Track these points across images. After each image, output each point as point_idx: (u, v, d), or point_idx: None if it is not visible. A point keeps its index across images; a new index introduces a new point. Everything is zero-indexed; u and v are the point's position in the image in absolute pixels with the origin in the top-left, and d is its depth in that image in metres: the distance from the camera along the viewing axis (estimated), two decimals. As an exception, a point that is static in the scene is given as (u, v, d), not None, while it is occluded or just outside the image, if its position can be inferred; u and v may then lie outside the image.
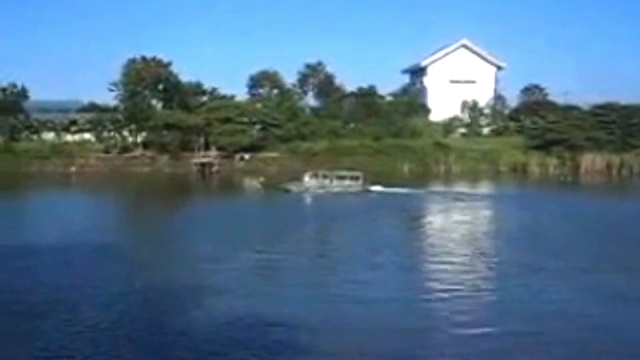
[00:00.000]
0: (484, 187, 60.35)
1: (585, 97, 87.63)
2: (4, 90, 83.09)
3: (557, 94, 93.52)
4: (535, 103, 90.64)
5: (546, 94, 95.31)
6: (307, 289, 20.14)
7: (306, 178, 52.79)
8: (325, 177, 52.97)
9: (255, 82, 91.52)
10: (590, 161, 74.22)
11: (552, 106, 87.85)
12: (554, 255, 25.07)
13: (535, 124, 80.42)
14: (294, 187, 51.48)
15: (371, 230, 33.14)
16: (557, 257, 24.65)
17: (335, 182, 52.18)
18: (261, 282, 21.02)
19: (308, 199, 47.74)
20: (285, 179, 54.33)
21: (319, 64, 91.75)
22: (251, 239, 29.94)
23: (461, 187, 57.61)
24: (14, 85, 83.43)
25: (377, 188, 50.99)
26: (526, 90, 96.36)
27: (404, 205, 43.68)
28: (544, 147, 76.11)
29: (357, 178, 52.67)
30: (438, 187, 56.63)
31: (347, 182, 52.35)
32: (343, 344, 14.97)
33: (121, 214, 44.17)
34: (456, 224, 36.09)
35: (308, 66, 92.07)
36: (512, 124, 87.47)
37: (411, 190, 50.54)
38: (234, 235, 30.36)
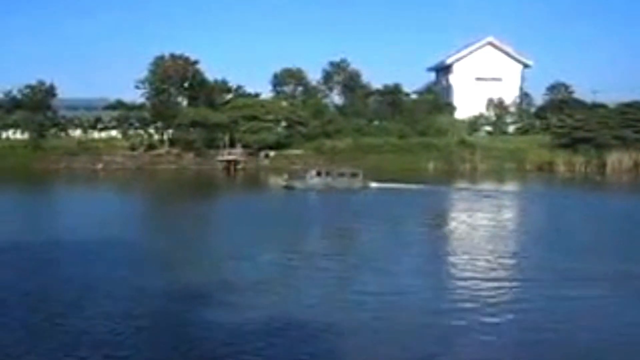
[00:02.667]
0: (496, 185, 59.21)
1: (612, 95, 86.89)
2: (32, 88, 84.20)
3: (584, 92, 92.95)
4: (561, 101, 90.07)
5: (572, 92, 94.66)
6: (330, 286, 20.03)
7: (309, 176, 53.27)
8: (327, 174, 53.51)
9: (279, 80, 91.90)
10: (617, 160, 73.31)
11: (579, 104, 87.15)
12: (602, 259, 23.52)
13: (561, 122, 79.67)
14: (298, 185, 51.84)
15: (380, 225, 32.87)
16: (605, 261, 23.17)
17: (337, 179, 52.69)
18: (284, 281, 20.88)
19: (315, 196, 47.88)
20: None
21: (343, 61, 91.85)
22: (275, 236, 30.13)
23: (470, 185, 57.47)
24: (42, 83, 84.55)
25: (374, 185, 51.81)
26: (552, 88, 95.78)
27: (403, 201, 44.20)
28: (571, 145, 75.29)
29: (356, 175, 53.44)
30: (440, 184, 56.05)
31: (347, 179, 52.93)
32: (367, 349, 14.75)
33: (149, 211, 44.42)
34: (451, 221, 35.76)
35: (332, 64, 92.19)
36: (538, 122, 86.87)
37: (409, 185, 51.40)
38: (260, 233, 30.42)
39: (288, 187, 51.61)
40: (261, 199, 48.84)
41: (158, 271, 22.04)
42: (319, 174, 53.54)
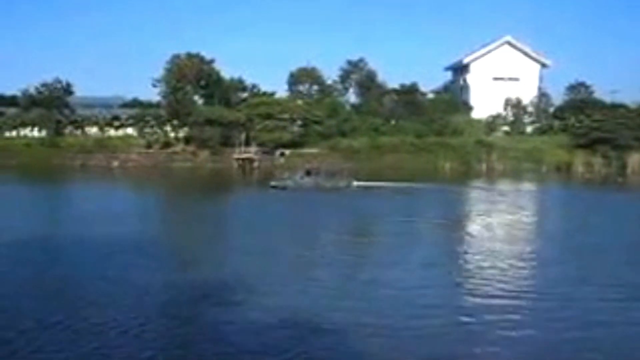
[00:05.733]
0: (497, 184, 58.68)
1: (633, 95, 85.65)
2: (48, 86, 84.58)
3: (604, 92, 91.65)
4: (580, 101, 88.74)
5: (592, 92, 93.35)
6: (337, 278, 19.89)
7: (299, 175, 53.44)
8: (317, 173, 53.78)
9: (295, 79, 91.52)
10: (638, 161, 72.36)
11: (598, 104, 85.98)
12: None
13: (580, 122, 78.69)
14: (290, 184, 51.63)
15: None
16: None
17: (325, 178, 52.93)
18: (296, 279, 20.68)
19: (311, 195, 47.48)
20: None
21: (361, 60, 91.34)
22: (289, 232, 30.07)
23: (483, 184, 57.17)
24: (59, 81, 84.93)
25: (356, 183, 52.15)
26: (572, 88, 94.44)
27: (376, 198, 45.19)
28: (589, 146, 74.39)
29: (341, 173, 54.24)
30: (431, 183, 55.64)
31: (335, 177, 53.42)
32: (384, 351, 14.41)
33: (166, 208, 44.55)
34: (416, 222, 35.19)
35: (349, 63, 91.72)
36: (556, 123, 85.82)
37: (395, 184, 52.09)
38: (269, 232, 30.35)
39: (278, 187, 51.09)
40: (264, 199, 48.48)
41: (165, 269, 22.01)
42: (308, 173, 53.78)
